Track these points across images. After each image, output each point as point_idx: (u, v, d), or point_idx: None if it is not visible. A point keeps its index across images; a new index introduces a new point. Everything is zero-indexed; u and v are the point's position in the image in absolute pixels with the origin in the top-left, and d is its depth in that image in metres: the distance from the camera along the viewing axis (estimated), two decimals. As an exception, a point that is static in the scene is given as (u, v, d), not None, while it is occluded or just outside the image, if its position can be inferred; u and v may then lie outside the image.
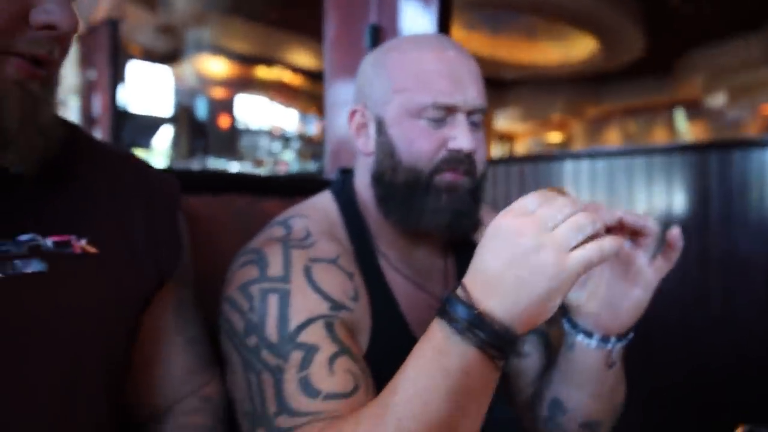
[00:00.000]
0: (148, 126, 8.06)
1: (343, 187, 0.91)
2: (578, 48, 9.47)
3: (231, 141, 8.21)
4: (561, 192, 0.64)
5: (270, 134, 8.64)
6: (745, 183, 2.29)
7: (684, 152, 2.48)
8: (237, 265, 0.79)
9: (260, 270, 0.76)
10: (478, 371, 0.56)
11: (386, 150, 0.83)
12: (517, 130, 13.85)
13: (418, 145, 0.80)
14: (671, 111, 10.82)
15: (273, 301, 0.73)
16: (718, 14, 7.71)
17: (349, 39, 1.48)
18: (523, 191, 2.47)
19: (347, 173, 0.93)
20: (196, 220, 1.12)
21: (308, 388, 0.67)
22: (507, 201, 0.69)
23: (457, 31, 9.18)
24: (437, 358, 0.56)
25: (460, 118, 0.81)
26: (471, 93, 0.82)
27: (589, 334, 0.76)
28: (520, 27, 8.76)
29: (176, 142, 8.09)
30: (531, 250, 0.55)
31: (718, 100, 9.68)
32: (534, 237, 0.55)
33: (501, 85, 12.11)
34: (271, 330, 0.71)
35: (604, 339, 0.75)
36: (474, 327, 0.55)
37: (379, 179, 0.84)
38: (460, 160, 0.81)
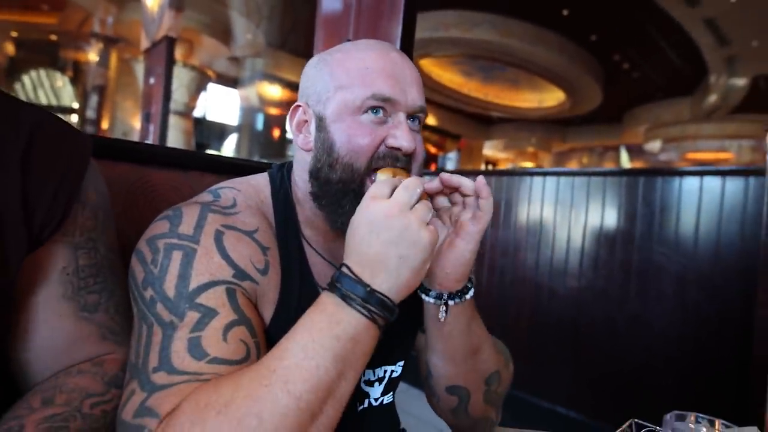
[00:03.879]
0: (219, 132, 8.02)
1: (279, 172, 0.72)
2: (551, 97, 9.38)
3: (281, 148, 8.15)
4: (397, 171, 0.59)
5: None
6: (665, 205, 2.09)
7: (617, 176, 2.29)
8: (154, 220, 0.59)
9: (171, 225, 0.58)
10: (365, 336, 0.50)
11: (326, 146, 0.64)
12: (500, 157, 13.70)
13: (357, 140, 0.62)
14: (618, 150, 10.62)
15: (177, 257, 0.55)
16: (659, 80, 7.58)
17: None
18: (502, 196, 2.35)
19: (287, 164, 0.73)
20: (158, 192, 0.92)
21: (196, 350, 0.51)
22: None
23: (456, 77, 9.05)
24: (330, 327, 0.48)
25: (401, 117, 0.63)
26: (411, 93, 0.64)
27: (426, 291, 0.62)
28: (507, 77, 8.67)
29: (238, 147, 8.03)
30: (403, 228, 0.49)
31: (654, 145, 9.57)
32: (401, 217, 0.50)
33: (489, 121, 12.02)
34: (170, 285, 0.54)
35: (439, 295, 0.62)
36: (366, 302, 0.49)
37: (316, 176, 0.65)
38: (398, 159, 0.63)
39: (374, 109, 0.61)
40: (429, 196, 0.60)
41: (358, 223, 0.51)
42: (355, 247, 0.51)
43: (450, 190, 0.61)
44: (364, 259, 0.50)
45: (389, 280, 0.50)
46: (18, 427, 0.49)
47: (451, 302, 0.62)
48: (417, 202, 0.52)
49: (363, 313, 0.49)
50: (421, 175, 0.68)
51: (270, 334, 0.60)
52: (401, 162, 0.62)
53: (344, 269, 0.51)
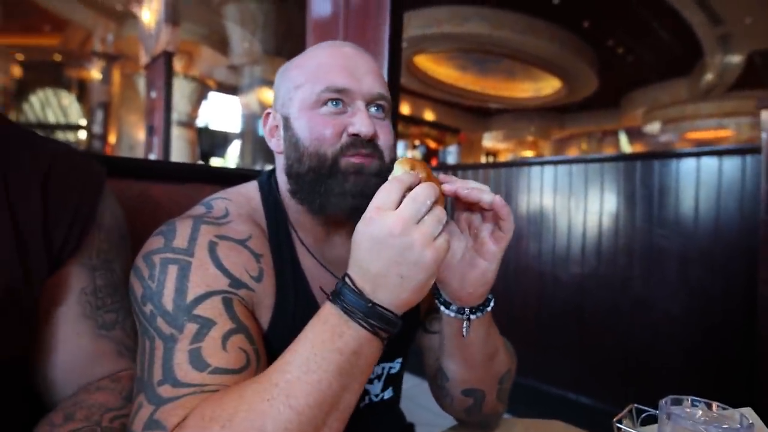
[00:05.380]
0: (222, 140, 8.05)
1: (267, 179, 0.72)
2: (547, 86, 9.30)
3: (283, 152, 8.10)
4: (415, 163, 0.53)
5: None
6: (663, 188, 2.07)
7: (614, 161, 2.26)
8: (150, 236, 0.61)
9: (166, 241, 0.58)
10: (367, 349, 0.49)
11: (292, 143, 0.64)
12: (500, 147, 13.63)
13: (319, 131, 0.62)
14: (617, 135, 10.53)
15: (173, 271, 0.55)
16: (654, 63, 7.50)
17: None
18: (501, 188, 2.34)
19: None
20: (159, 205, 0.92)
21: (198, 361, 0.51)
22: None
23: (452, 71, 8.99)
24: (332, 340, 0.47)
25: (359, 105, 0.63)
26: (367, 81, 0.64)
27: (447, 305, 0.61)
28: (502, 69, 8.60)
29: (242, 153, 8.05)
30: (405, 248, 0.46)
31: (653, 127, 9.48)
32: (403, 236, 0.46)
33: (487, 113, 11.95)
34: (168, 299, 0.54)
35: (460, 310, 0.61)
36: (367, 316, 0.48)
37: (289, 173, 0.66)
38: (362, 145, 0.62)
39: (333, 101, 0.62)
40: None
41: (362, 235, 0.48)
42: (358, 261, 0.49)
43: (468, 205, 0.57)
44: (366, 274, 0.48)
45: (390, 297, 0.48)
46: None
47: (473, 317, 0.61)
48: (427, 213, 0.48)
49: (365, 327, 0.48)
50: (384, 159, 0.65)
51: (269, 340, 0.60)
52: (367, 148, 0.61)
53: (347, 280, 0.49)
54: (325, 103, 0.62)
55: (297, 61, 0.68)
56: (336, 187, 0.61)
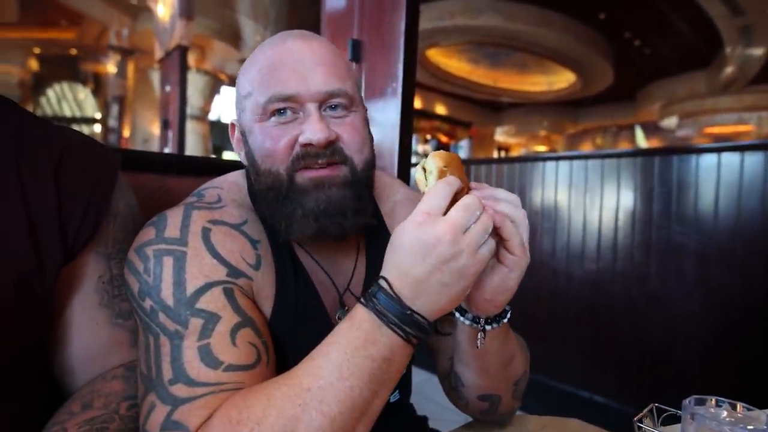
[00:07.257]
0: (234, 134, 8.12)
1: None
2: (561, 79, 9.16)
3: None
4: (450, 159, 0.51)
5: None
6: (682, 184, 2.03)
7: (631, 156, 2.22)
8: (142, 228, 0.58)
9: (157, 231, 0.55)
10: (399, 356, 0.48)
11: (250, 159, 0.61)
12: (512, 142, 13.51)
13: (268, 146, 0.57)
14: (633, 129, 10.35)
15: (168, 263, 0.53)
16: (672, 55, 7.33)
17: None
18: (515, 183, 2.32)
19: None
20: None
21: (209, 358, 0.49)
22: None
23: (463, 65, 8.91)
24: (365, 346, 0.46)
25: (310, 109, 0.57)
26: (316, 79, 0.57)
27: (463, 312, 0.58)
28: (514, 62, 8.50)
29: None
30: (450, 257, 0.45)
31: (670, 122, 9.29)
32: (452, 244, 0.45)
33: (499, 107, 11.83)
34: (167, 293, 0.52)
35: (475, 319, 0.57)
36: (403, 323, 0.46)
37: (254, 191, 0.62)
38: (317, 155, 0.56)
39: (280, 111, 0.57)
40: None
41: (408, 238, 0.46)
42: (398, 264, 0.47)
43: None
44: (405, 278, 0.46)
45: (428, 304, 0.47)
46: (61, 431, 0.51)
47: (488, 327, 0.58)
48: (475, 222, 0.46)
49: (399, 334, 0.46)
50: (354, 163, 0.59)
51: (272, 329, 0.59)
52: (323, 157, 0.56)
53: (383, 283, 0.47)
54: (273, 114, 0.57)
55: (245, 65, 0.62)
56: (298, 209, 0.57)
